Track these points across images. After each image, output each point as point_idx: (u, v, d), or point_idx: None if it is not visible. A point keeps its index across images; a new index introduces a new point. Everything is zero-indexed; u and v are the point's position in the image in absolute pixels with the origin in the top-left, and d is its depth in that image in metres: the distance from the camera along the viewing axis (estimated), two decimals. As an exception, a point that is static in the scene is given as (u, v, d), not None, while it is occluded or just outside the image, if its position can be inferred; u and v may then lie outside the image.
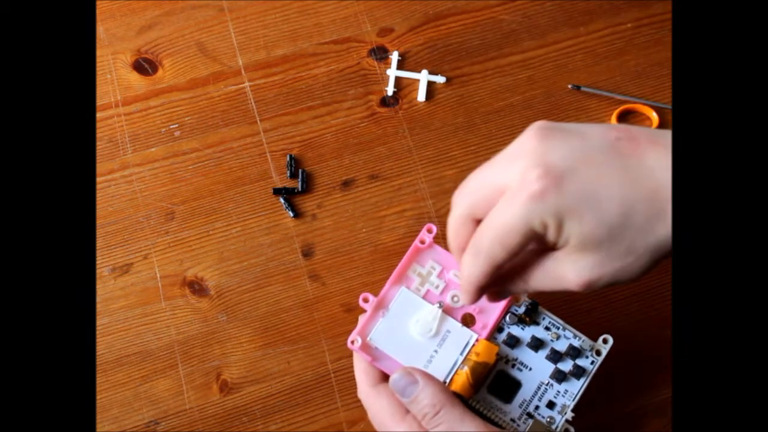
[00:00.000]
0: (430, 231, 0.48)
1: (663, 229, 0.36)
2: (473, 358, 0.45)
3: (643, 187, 0.36)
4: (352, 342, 0.46)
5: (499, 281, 0.41)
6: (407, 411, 0.43)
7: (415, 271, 0.48)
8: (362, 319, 0.47)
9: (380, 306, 0.47)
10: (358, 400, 0.47)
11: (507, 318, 0.47)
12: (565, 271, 0.38)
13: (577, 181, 0.36)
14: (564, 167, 0.36)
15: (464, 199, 0.40)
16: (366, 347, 0.46)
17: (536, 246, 0.39)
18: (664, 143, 0.36)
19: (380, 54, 0.62)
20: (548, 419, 0.45)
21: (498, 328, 0.47)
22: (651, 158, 0.36)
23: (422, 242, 0.48)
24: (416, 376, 0.43)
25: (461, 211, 0.40)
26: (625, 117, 0.61)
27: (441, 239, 0.46)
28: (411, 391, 0.43)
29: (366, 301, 0.47)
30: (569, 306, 0.55)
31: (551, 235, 0.37)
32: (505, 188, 0.37)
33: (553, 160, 0.36)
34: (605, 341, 0.46)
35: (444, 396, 0.42)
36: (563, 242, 0.37)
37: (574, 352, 0.46)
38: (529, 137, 0.38)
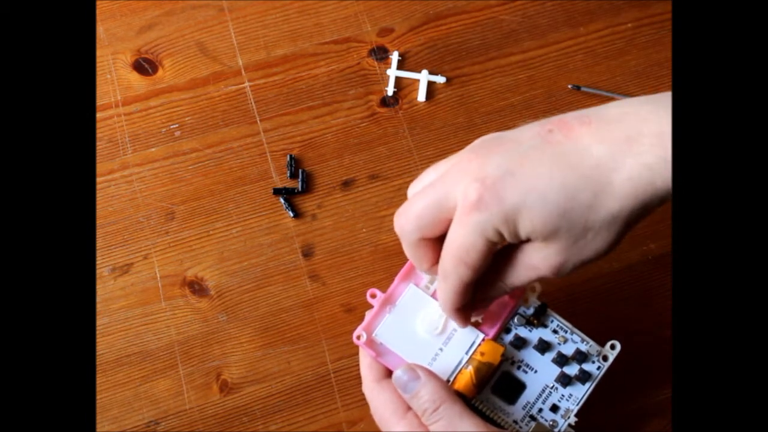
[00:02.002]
0: None
1: (611, 200, 0.37)
2: (478, 357, 0.45)
3: (582, 167, 0.37)
4: (358, 337, 0.46)
5: (478, 290, 0.42)
6: (409, 409, 0.43)
7: None
8: (369, 314, 0.47)
9: (387, 302, 0.47)
10: (358, 401, 0.47)
11: (515, 319, 0.46)
12: (534, 260, 0.40)
13: (516, 183, 0.37)
14: (499, 174, 0.37)
15: (411, 224, 0.41)
16: (371, 343, 0.46)
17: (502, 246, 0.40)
18: (595, 119, 0.38)
19: (380, 54, 0.62)
20: (551, 423, 0.45)
21: (505, 329, 0.47)
22: (584, 137, 0.37)
23: None
24: (419, 372, 0.43)
25: (412, 237, 0.41)
26: (625, 117, 0.61)
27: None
28: (412, 386, 0.43)
29: (373, 296, 0.47)
30: (570, 306, 0.55)
31: (510, 238, 0.39)
32: (451, 209, 0.39)
33: (489, 171, 0.38)
34: (613, 347, 0.46)
35: (444, 393, 0.42)
36: (525, 238, 0.39)
37: (581, 357, 0.46)
38: (466, 157, 0.39)
